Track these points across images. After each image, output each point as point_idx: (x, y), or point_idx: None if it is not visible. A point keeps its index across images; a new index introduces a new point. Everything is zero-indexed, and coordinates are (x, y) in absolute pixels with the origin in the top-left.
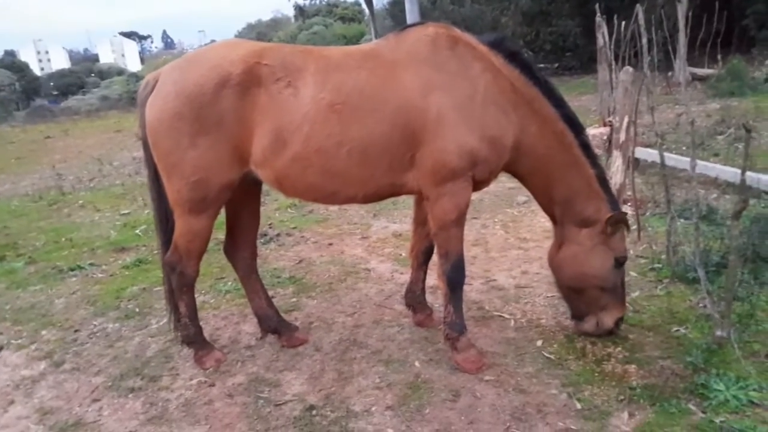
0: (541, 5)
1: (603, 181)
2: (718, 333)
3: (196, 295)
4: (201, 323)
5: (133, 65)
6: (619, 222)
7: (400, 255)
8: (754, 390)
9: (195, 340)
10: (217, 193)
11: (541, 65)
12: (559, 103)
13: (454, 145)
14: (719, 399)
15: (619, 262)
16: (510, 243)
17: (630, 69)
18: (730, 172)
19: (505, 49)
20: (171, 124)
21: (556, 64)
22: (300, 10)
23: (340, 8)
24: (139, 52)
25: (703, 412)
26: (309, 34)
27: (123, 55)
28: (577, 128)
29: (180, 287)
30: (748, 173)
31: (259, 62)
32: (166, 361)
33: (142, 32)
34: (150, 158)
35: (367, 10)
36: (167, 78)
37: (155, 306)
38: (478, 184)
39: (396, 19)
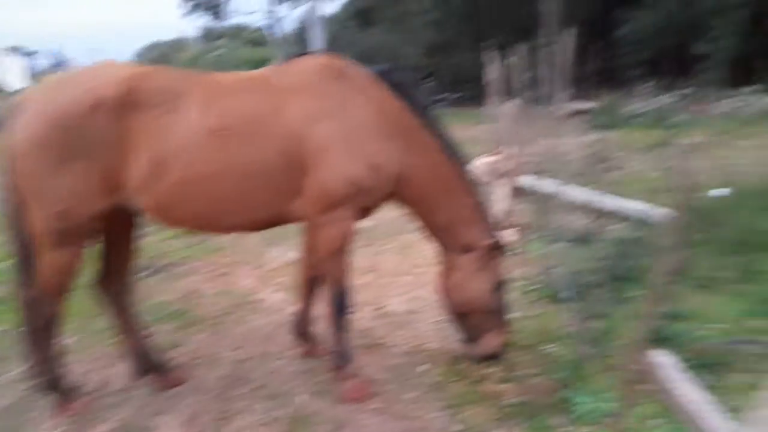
0: (442, 37)
1: (482, 209)
2: (581, 349)
3: (63, 336)
4: (67, 366)
5: (19, 82)
6: (496, 248)
7: (293, 285)
8: (611, 402)
9: (58, 385)
10: (84, 225)
11: (443, 95)
12: (440, 133)
13: (339, 174)
14: (581, 411)
15: (500, 286)
16: (402, 269)
17: (516, 102)
18: (601, 199)
19: (391, 80)
20: (37, 149)
21: (457, 94)
22: (205, 32)
23: (247, 32)
24: (26, 69)
25: (568, 425)
26: (213, 57)
27: (6, 72)
28: (458, 157)
29: (42, 328)
30: (615, 199)
31: (138, 86)
32: (24, 412)
33: (32, 47)
34: (12, 185)
35: (273, 35)
36: (36, 99)
37: (14, 350)
38: (364, 212)
39: (303, 45)
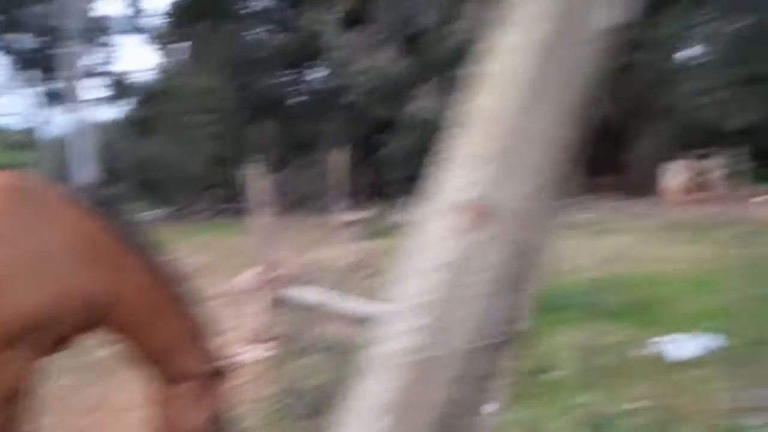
0: (222, 149)
1: (200, 333)
2: None
3: None
4: None
5: None
6: (217, 375)
7: None
8: None
9: None
10: None
11: (227, 205)
12: (150, 254)
13: (12, 306)
14: None
15: (221, 416)
16: (134, 403)
17: (275, 214)
18: (358, 305)
19: (90, 199)
20: None
21: (243, 204)
22: None
23: (7, 134)
24: None
25: None
26: None
27: None
28: (171, 279)
29: None
30: (370, 305)
31: None
32: None
33: None
34: None
35: (40, 139)
36: None
37: None
38: (57, 345)
39: (69, 150)
